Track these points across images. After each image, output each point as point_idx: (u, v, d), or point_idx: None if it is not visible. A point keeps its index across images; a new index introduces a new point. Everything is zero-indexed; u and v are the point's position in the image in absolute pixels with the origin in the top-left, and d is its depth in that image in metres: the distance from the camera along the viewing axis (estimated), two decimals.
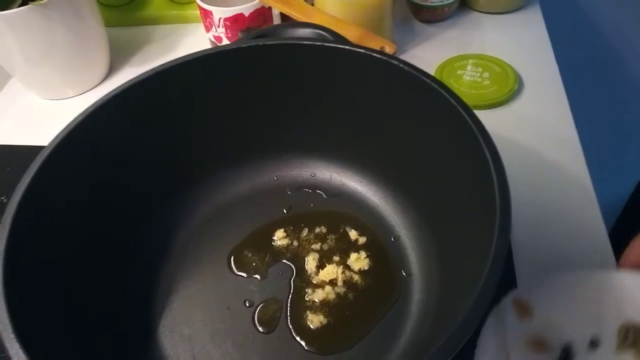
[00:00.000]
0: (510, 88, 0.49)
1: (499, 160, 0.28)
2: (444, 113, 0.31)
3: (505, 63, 0.52)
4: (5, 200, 0.42)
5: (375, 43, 0.42)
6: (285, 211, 0.41)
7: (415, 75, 0.33)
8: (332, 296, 0.35)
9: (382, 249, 0.38)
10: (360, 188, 0.41)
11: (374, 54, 0.34)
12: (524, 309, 0.26)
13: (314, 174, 0.43)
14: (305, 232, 0.39)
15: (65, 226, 0.33)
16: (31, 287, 0.28)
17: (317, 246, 0.38)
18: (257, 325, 0.34)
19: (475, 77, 0.50)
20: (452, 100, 0.31)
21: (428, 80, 0.32)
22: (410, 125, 0.35)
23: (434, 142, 0.34)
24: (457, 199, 0.32)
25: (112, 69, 0.59)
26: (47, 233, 0.31)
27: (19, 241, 0.28)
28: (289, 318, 0.35)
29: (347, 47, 0.35)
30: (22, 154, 0.49)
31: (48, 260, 0.30)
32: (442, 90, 0.32)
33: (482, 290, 0.23)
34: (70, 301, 0.31)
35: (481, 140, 0.29)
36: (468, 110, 0.30)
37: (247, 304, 0.36)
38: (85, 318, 0.32)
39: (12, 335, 0.23)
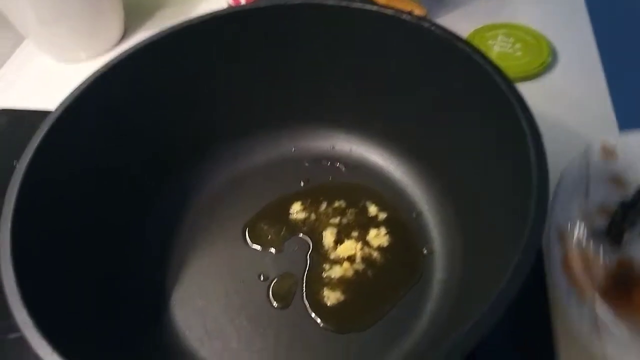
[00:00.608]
0: (544, 60, 0.46)
1: (538, 134, 0.26)
2: (478, 81, 0.29)
3: (538, 33, 0.49)
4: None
5: (404, 5, 0.39)
6: (302, 184, 0.39)
7: (448, 40, 0.31)
8: (350, 273, 0.34)
9: (403, 225, 0.36)
10: (381, 161, 0.39)
11: (403, 17, 0.31)
12: (609, 153, 0.30)
13: (333, 145, 0.41)
14: (323, 205, 0.37)
15: (75, 193, 0.31)
16: (39, 254, 0.27)
17: (335, 221, 0.37)
18: (272, 299, 0.33)
19: (507, 48, 0.48)
20: (488, 67, 0.29)
21: (462, 46, 0.30)
22: (439, 94, 0.33)
23: (465, 113, 0.32)
24: (487, 174, 0.30)
25: (127, 33, 0.57)
26: (55, 200, 0.30)
27: (28, 208, 0.27)
28: (304, 294, 0.33)
29: (374, 8, 0.32)
30: (34, 118, 0.48)
31: (57, 227, 0.29)
32: (478, 57, 0.29)
33: (515, 271, 0.21)
34: (79, 270, 0.30)
35: (519, 113, 0.27)
36: (506, 80, 0.28)
37: (262, 278, 0.34)
38: (95, 287, 0.31)
39: (20, 302, 0.22)
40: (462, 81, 0.31)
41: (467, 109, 0.31)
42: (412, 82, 0.35)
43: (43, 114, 0.31)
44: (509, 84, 0.28)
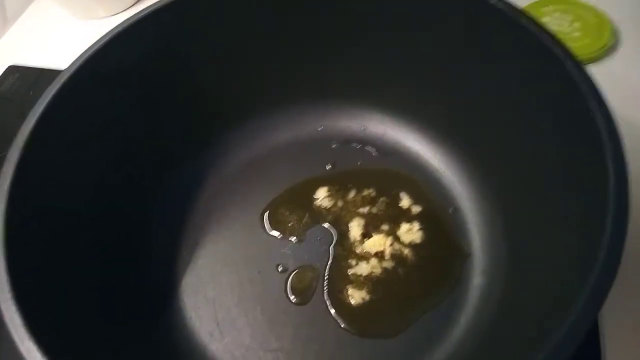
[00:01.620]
0: (605, 43, 0.41)
1: (613, 123, 0.22)
2: (537, 59, 0.25)
3: (600, 12, 0.43)
4: None
5: None
6: (329, 167, 0.36)
7: (502, 11, 0.26)
8: (377, 271, 0.31)
9: (438, 221, 0.32)
10: (418, 147, 0.36)
11: None
12: None
13: (364, 127, 0.37)
14: (351, 193, 0.34)
15: (82, 163, 0.29)
16: (40, 234, 0.25)
17: (363, 211, 0.33)
18: (290, 294, 0.31)
19: (564, 27, 0.43)
20: (550, 43, 0.25)
21: (519, 17, 0.26)
22: (489, 73, 0.29)
23: (521, 96, 0.27)
24: (547, 172, 0.26)
25: None
26: (60, 170, 0.27)
27: (26, 178, 0.25)
28: (325, 290, 0.31)
29: None
30: (46, 77, 0.45)
31: (59, 204, 0.26)
32: (537, 30, 0.25)
33: (585, 307, 0.18)
34: (85, 250, 0.28)
35: (590, 98, 0.23)
36: (573, 58, 0.24)
37: (280, 269, 0.32)
38: (101, 269, 0.28)
39: (9, 295, 0.20)
40: (518, 60, 0.27)
41: (526, 93, 0.27)
42: (458, 59, 0.30)
43: (56, 73, 0.28)
44: (580, 67, 0.24)
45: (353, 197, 0.34)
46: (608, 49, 0.42)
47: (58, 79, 0.28)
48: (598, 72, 0.40)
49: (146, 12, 0.30)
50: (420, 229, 0.32)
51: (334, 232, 0.33)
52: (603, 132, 0.22)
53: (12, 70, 0.47)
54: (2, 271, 0.20)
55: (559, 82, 0.25)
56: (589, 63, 0.41)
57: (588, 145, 0.23)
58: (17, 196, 0.24)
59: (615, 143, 0.22)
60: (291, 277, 0.31)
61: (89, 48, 0.29)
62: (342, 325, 0.29)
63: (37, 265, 0.24)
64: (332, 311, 0.30)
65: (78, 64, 0.28)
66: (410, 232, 0.32)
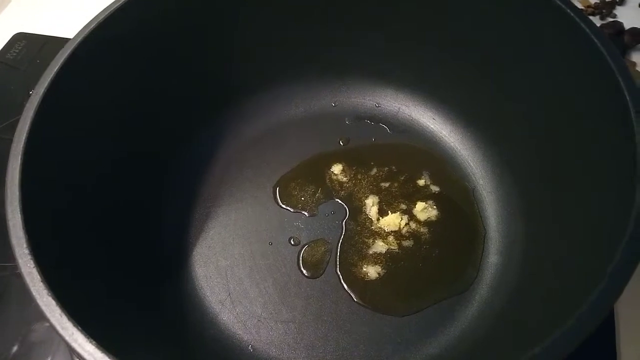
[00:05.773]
0: None
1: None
2: (563, 35, 0.25)
3: None
4: None
5: None
6: (341, 143, 0.36)
7: None
8: (393, 247, 0.30)
9: (454, 199, 0.32)
10: (432, 126, 0.35)
11: None
12: None
13: (378, 103, 0.37)
14: (365, 169, 0.34)
15: (97, 131, 0.28)
16: (55, 196, 0.24)
17: (377, 188, 0.33)
18: (302, 267, 0.30)
19: None
20: (576, 16, 0.24)
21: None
22: (510, 49, 0.29)
23: (544, 72, 0.27)
24: (568, 151, 0.26)
25: None
26: (70, 134, 0.26)
27: (41, 143, 0.24)
28: (338, 264, 0.30)
29: None
30: (53, 45, 0.44)
31: (71, 165, 0.26)
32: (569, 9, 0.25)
33: (622, 261, 0.18)
34: (98, 219, 0.27)
35: (617, 75, 0.22)
36: (598, 33, 0.24)
37: (292, 242, 0.31)
38: (113, 236, 0.28)
39: (27, 251, 0.19)
40: (542, 34, 0.27)
41: (546, 68, 0.27)
42: (476, 35, 0.30)
43: (63, 41, 0.27)
44: (606, 41, 0.24)
45: (367, 173, 0.34)
46: None
47: (69, 44, 0.27)
48: None
49: None
50: (436, 207, 0.32)
51: (346, 207, 0.32)
52: (632, 114, 0.22)
53: (19, 37, 0.46)
54: (20, 229, 0.20)
55: (581, 49, 0.24)
56: None
57: (614, 119, 0.22)
58: (32, 158, 0.23)
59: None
60: (303, 250, 0.31)
61: (101, 12, 0.28)
62: (354, 300, 0.29)
63: (51, 227, 0.23)
64: (345, 285, 0.29)
65: (89, 29, 0.27)
66: (426, 211, 0.32)
